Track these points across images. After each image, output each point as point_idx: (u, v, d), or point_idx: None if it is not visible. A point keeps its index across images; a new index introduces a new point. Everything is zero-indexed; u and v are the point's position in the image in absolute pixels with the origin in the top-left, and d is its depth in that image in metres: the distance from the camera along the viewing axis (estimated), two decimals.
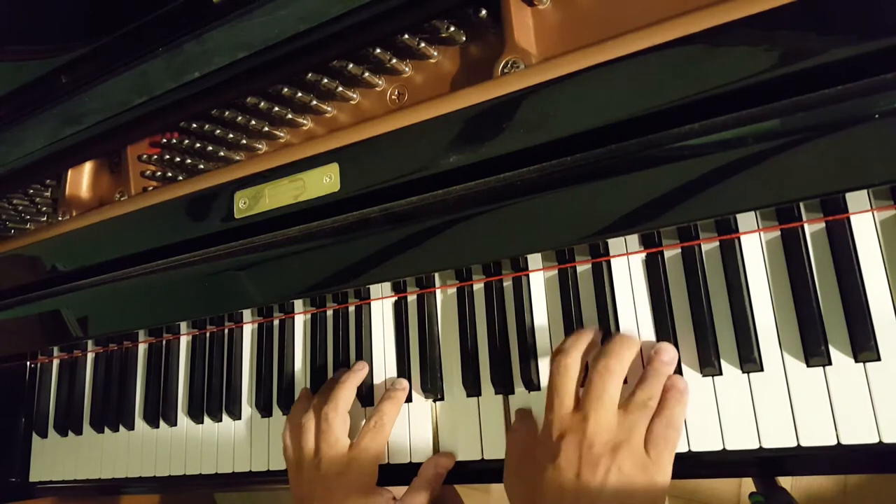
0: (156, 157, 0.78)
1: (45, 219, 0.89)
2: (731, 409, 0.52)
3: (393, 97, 0.65)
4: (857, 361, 0.49)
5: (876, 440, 0.47)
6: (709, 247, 0.55)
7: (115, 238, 0.76)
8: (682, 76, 0.47)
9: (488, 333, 0.63)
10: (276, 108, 0.68)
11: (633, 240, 0.58)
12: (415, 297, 0.68)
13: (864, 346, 0.48)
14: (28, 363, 0.98)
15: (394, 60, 0.63)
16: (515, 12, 0.57)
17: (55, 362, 0.96)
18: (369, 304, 0.71)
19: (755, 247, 0.54)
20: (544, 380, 0.60)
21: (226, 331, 0.81)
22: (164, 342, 0.86)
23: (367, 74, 0.64)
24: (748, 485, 1.29)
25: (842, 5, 0.43)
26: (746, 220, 0.53)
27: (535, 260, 0.62)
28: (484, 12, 0.58)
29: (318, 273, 0.64)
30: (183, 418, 0.82)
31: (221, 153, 0.73)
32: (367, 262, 0.61)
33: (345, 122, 0.67)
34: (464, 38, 0.62)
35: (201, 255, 0.71)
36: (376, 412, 0.65)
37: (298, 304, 0.76)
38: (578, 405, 0.52)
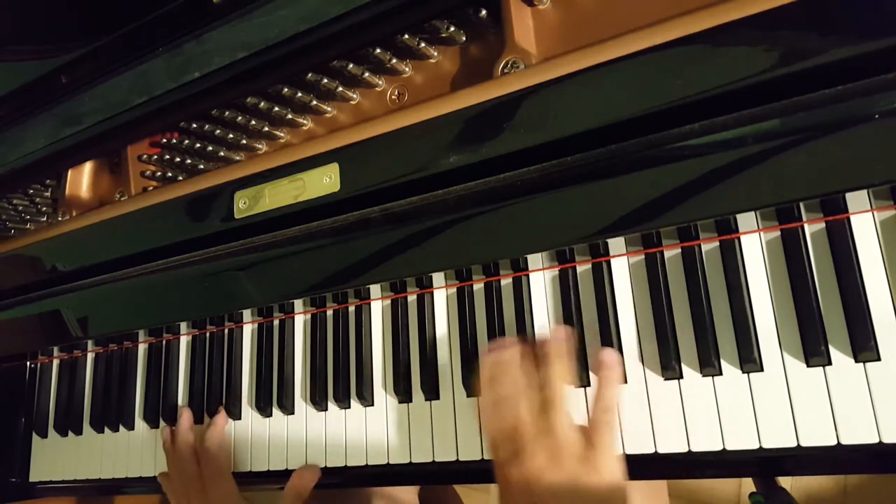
0: (156, 157, 0.78)
1: (45, 219, 0.89)
2: (731, 409, 0.52)
3: (393, 97, 0.65)
4: (857, 361, 0.48)
5: (876, 440, 0.47)
6: (709, 247, 0.55)
7: (115, 238, 0.76)
8: (682, 76, 0.47)
9: (488, 333, 0.63)
10: (276, 108, 0.68)
11: (634, 240, 0.58)
12: (414, 297, 0.68)
13: (864, 346, 0.48)
14: (28, 363, 0.98)
15: (394, 60, 0.63)
16: (515, 12, 0.57)
17: (55, 362, 0.96)
18: (369, 304, 0.71)
19: (755, 247, 0.54)
20: None
21: (226, 331, 0.81)
22: (164, 342, 0.86)
23: (367, 74, 0.64)
24: (748, 485, 1.29)
25: (842, 5, 0.43)
26: (746, 220, 0.53)
27: (535, 260, 0.62)
28: (484, 12, 0.58)
29: (318, 273, 0.64)
30: None
31: (221, 153, 0.73)
32: (367, 262, 0.61)
33: (345, 122, 0.67)
34: (464, 38, 0.62)
35: (201, 255, 0.71)
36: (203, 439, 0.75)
37: (298, 304, 0.76)
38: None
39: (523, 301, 0.62)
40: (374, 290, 0.71)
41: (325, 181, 0.62)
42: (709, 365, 0.53)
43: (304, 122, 0.69)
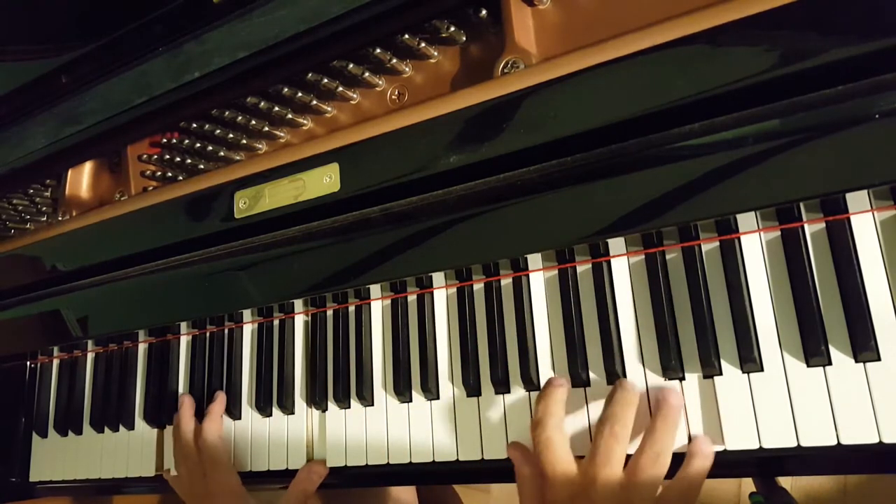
0: (156, 157, 0.78)
1: (45, 219, 0.89)
2: (731, 409, 0.52)
3: (393, 97, 0.65)
4: (857, 361, 0.48)
5: (876, 440, 0.47)
6: (709, 247, 0.55)
7: (115, 238, 0.76)
8: (682, 76, 0.47)
9: (488, 333, 0.63)
10: (277, 108, 0.68)
11: (634, 240, 0.58)
12: (414, 297, 0.68)
13: (864, 346, 0.48)
14: (28, 363, 0.98)
15: (394, 60, 0.63)
16: (515, 12, 0.57)
17: (55, 362, 0.96)
18: (369, 304, 0.71)
19: (755, 247, 0.54)
20: (544, 379, 0.60)
21: (226, 331, 0.81)
22: (164, 342, 0.86)
23: (367, 74, 0.64)
24: (748, 485, 1.29)
25: (842, 5, 0.43)
26: (746, 220, 0.53)
27: (535, 260, 0.62)
28: (484, 12, 0.58)
29: (318, 273, 0.64)
30: None
31: (221, 153, 0.73)
32: (367, 262, 0.61)
33: (345, 122, 0.67)
34: (464, 38, 0.62)
35: (201, 255, 0.71)
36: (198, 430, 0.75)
37: (298, 304, 0.76)
38: (583, 469, 0.51)
39: (523, 301, 0.62)
40: (374, 290, 0.71)
41: (325, 181, 0.62)
42: (709, 365, 0.53)
43: (304, 122, 0.69)
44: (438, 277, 0.67)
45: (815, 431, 0.49)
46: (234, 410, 0.77)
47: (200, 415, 0.79)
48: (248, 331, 0.80)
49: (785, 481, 1.18)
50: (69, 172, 0.84)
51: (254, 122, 0.69)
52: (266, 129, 0.70)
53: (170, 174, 0.77)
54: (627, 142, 0.50)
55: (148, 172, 0.78)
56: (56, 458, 0.92)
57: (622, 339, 0.57)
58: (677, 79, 0.48)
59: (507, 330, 0.62)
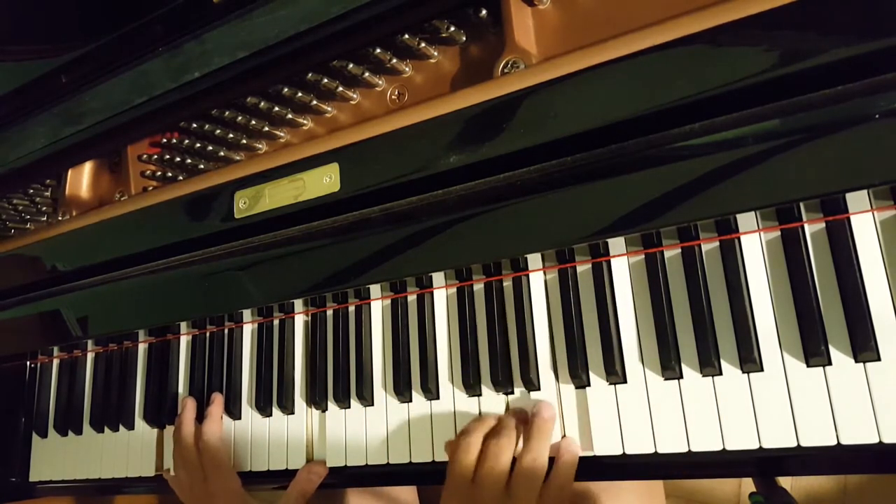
0: (156, 157, 0.78)
1: (45, 219, 0.89)
2: (731, 409, 0.52)
3: (393, 97, 0.65)
4: (857, 361, 0.48)
5: (876, 440, 0.47)
6: (709, 247, 0.55)
7: (115, 238, 0.76)
8: (682, 76, 0.47)
9: (488, 333, 0.63)
10: (276, 108, 0.68)
11: (634, 240, 0.58)
12: (414, 297, 0.68)
13: (864, 346, 0.48)
14: (28, 363, 0.98)
15: (394, 60, 0.63)
16: (515, 12, 0.57)
17: (55, 362, 0.96)
18: (369, 304, 0.71)
19: (755, 247, 0.54)
20: (544, 380, 0.60)
21: (226, 331, 0.81)
22: (164, 342, 0.86)
23: (367, 74, 0.64)
24: (748, 485, 1.29)
25: (842, 5, 0.43)
26: (746, 220, 0.53)
27: (535, 260, 0.62)
28: (484, 12, 0.58)
29: (318, 273, 0.64)
30: None
31: (221, 153, 0.73)
32: (367, 262, 0.61)
33: (345, 122, 0.67)
34: (464, 38, 0.62)
35: (201, 255, 0.71)
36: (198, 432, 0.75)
37: (298, 304, 0.76)
38: (476, 471, 0.57)
39: (523, 301, 0.62)
40: (374, 290, 0.71)
41: (325, 181, 0.62)
42: (709, 365, 0.53)
43: (304, 121, 0.69)
44: (438, 277, 0.67)
45: (815, 431, 0.49)
46: (234, 410, 0.77)
47: (201, 416, 0.79)
48: (248, 331, 0.80)
49: (785, 481, 1.18)
50: (69, 172, 0.84)
51: (254, 122, 0.69)
52: (266, 129, 0.70)
53: (170, 174, 0.77)
54: (627, 142, 0.50)
55: (148, 172, 0.78)
56: (56, 458, 0.92)
57: (622, 339, 0.57)
58: (677, 79, 0.48)
59: (508, 330, 0.62)
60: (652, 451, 0.54)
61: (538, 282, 0.62)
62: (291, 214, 0.64)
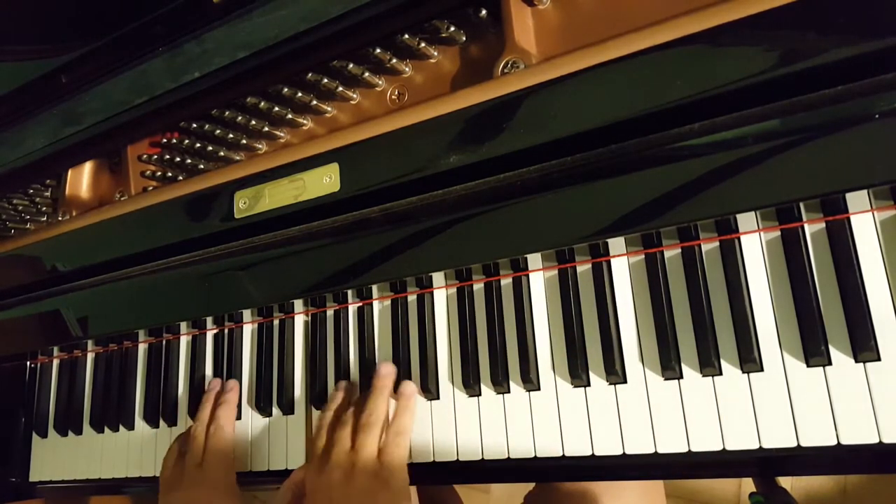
0: (156, 157, 0.78)
1: (45, 219, 0.89)
2: (731, 409, 0.52)
3: (393, 97, 0.65)
4: (857, 361, 0.48)
5: (876, 440, 0.47)
6: (709, 247, 0.55)
7: (115, 238, 0.76)
8: (682, 76, 0.47)
9: (488, 333, 0.63)
10: (276, 108, 0.68)
11: (634, 240, 0.58)
12: (414, 297, 0.68)
13: (864, 346, 0.48)
14: (28, 363, 0.98)
15: (394, 60, 0.63)
16: (515, 12, 0.57)
17: (55, 362, 0.96)
18: (370, 303, 0.71)
19: (755, 247, 0.54)
20: (544, 380, 0.60)
21: (226, 331, 0.81)
22: (164, 342, 0.86)
23: (367, 74, 0.64)
24: (748, 485, 1.29)
25: (842, 5, 0.43)
26: (746, 220, 0.53)
27: (535, 260, 0.62)
28: (484, 12, 0.58)
29: (318, 273, 0.64)
30: (183, 418, 0.82)
31: (221, 153, 0.73)
32: (366, 262, 0.61)
33: (345, 122, 0.67)
34: (464, 38, 0.62)
35: (201, 255, 0.71)
36: (212, 418, 0.74)
37: (298, 304, 0.76)
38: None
39: (523, 301, 0.62)
40: (374, 290, 0.71)
41: (325, 181, 0.62)
42: (709, 365, 0.53)
43: (304, 122, 0.69)
44: (438, 277, 0.67)
45: (815, 431, 0.49)
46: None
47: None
48: (248, 331, 0.80)
49: (785, 481, 1.18)
50: (69, 172, 0.84)
51: (254, 122, 0.69)
52: (266, 129, 0.70)
53: (170, 174, 0.77)
54: (627, 142, 0.50)
55: (148, 172, 0.78)
56: (56, 458, 0.92)
57: (622, 339, 0.57)
58: (677, 79, 0.47)
59: (507, 330, 0.62)
60: (652, 451, 0.54)
61: (538, 282, 0.62)
62: (291, 214, 0.64)
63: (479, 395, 0.63)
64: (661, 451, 0.54)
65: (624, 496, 0.69)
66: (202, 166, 0.74)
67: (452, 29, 0.60)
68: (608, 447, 0.56)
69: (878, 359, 0.48)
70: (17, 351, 0.93)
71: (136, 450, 0.85)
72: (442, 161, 0.56)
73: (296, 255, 0.65)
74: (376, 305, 0.71)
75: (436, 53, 0.63)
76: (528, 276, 0.63)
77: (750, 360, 0.51)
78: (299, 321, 0.76)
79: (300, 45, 0.62)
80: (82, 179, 0.85)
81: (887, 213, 0.49)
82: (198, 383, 0.81)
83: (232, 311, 0.78)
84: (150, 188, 0.79)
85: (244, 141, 0.71)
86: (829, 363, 0.49)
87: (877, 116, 0.42)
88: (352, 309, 0.72)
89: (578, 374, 0.58)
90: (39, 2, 0.80)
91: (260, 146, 0.72)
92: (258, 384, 0.76)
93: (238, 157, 0.73)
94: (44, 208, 0.89)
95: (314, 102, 0.67)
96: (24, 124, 0.79)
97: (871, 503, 1.25)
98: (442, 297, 0.67)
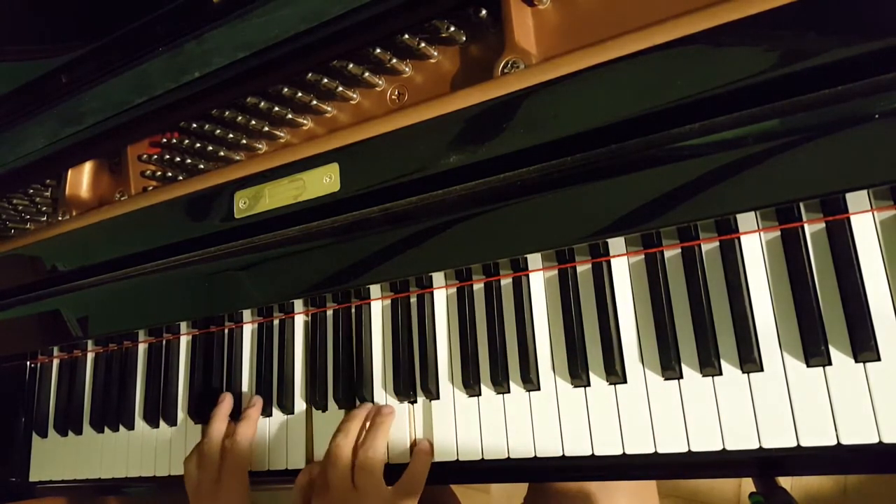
0: (156, 156, 0.78)
1: (45, 219, 0.89)
2: (731, 409, 0.52)
3: (393, 97, 0.65)
4: (857, 361, 0.48)
5: (876, 440, 0.47)
6: (709, 247, 0.55)
7: (115, 238, 0.76)
8: (682, 76, 0.47)
9: (488, 333, 0.63)
10: (276, 108, 0.68)
11: (634, 240, 0.58)
12: (414, 297, 0.68)
13: (864, 346, 0.48)
14: (28, 363, 0.98)
15: (394, 60, 0.63)
16: (515, 12, 0.57)
17: (55, 362, 0.96)
18: (369, 304, 0.71)
19: (755, 247, 0.54)
20: (544, 380, 0.60)
21: (226, 331, 0.81)
22: (164, 342, 0.86)
23: (367, 74, 0.64)
24: (748, 485, 1.29)
25: (842, 5, 0.43)
26: (746, 220, 0.53)
27: (535, 260, 0.62)
28: (484, 12, 0.58)
29: (318, 273, 0.64)
30: (183, 418, 0.82)
31: (221, 153, 0.73)
32: (367, 262, 0.61)
33: (345, 122, 0.67)
34: (464, 38, 0.62)
35: (201, 255, 0.71)
36: (229, 432, 0.74)
37: (298, 304, 0.76)
38: (323, 465, 0.65)
39: (523, 301, 0.62)
40: (374, 290, 0.71)
41: (325, 181, 0.62)
42: (709, 365, 0.53)
43: (304, 121, 0.69)
44: (438, 277, 0.67)
45: (815, 431, 0.49)
46: (233, 410, 0.77)
47: (202, 415, 0.79)
48: (248, 331, 0.80)
49: (785, 481, 1.18)
50: (69, 172, 0.84)
51: (254, 122, 0.69)
52: (266, 129, 0.70)
53: (170, 174, 0.77)
54: (627, 142, 0.50)
55: (148, 172, 0.78)
56: (56, 458, 0.92)
57: (622, 339, 0.57)
58: (677, 79, 0.48)
59: (507, 330, 0.62)
60: (652, 451, 0.54)
61: (538, 282, 0.62)
62: (291, 214, 0.64)
63: (479, 395, 0.63)
64: (661, 450, 0.54)
65: (617, 495, 0.69)
66: (202, 166, 0.74)
67: (452, 29, 0.60)
68: (608, 447, 0.56)
69: (878, 359, 0.48)
70: (17, 351, 0.93)
71: (136, 450, 0.85)
72: (442, 161, 0.56)
73: (296, 255, 0.65)
74: (376, 305, 0.71)
75: (436, 53, 0.63)
76: (528, 276, 0.63)
77: (750, 360, 0.51)
78: (299, 321, 0.76)
79: (300, 45, 0.62)
80: (82, 179, 0.85)
81: (887, 213, 0.49)
82: (198, 383, 0.81)
83: (232, 311, 0.78)
84: (150, 188, 0.79)
85: (244, 141, 0.71)
86: (829, 363, 0.49)
87: (877, 116, 0.42)
88: (352, 309, 0.72)
89: (578, 374, 0.58)
90: (39, 2, 0.80)
91: (260, 146, 0.72)
92: (258, 384, 0.76)
93: (238, 157, 0.73)
94: (44, 208, 0.89)
95: (314, 102, 0.67)
96: (24, 124, 0.79)
97: (871, 503, 1.25)
98: (442, 297, 0.67)
